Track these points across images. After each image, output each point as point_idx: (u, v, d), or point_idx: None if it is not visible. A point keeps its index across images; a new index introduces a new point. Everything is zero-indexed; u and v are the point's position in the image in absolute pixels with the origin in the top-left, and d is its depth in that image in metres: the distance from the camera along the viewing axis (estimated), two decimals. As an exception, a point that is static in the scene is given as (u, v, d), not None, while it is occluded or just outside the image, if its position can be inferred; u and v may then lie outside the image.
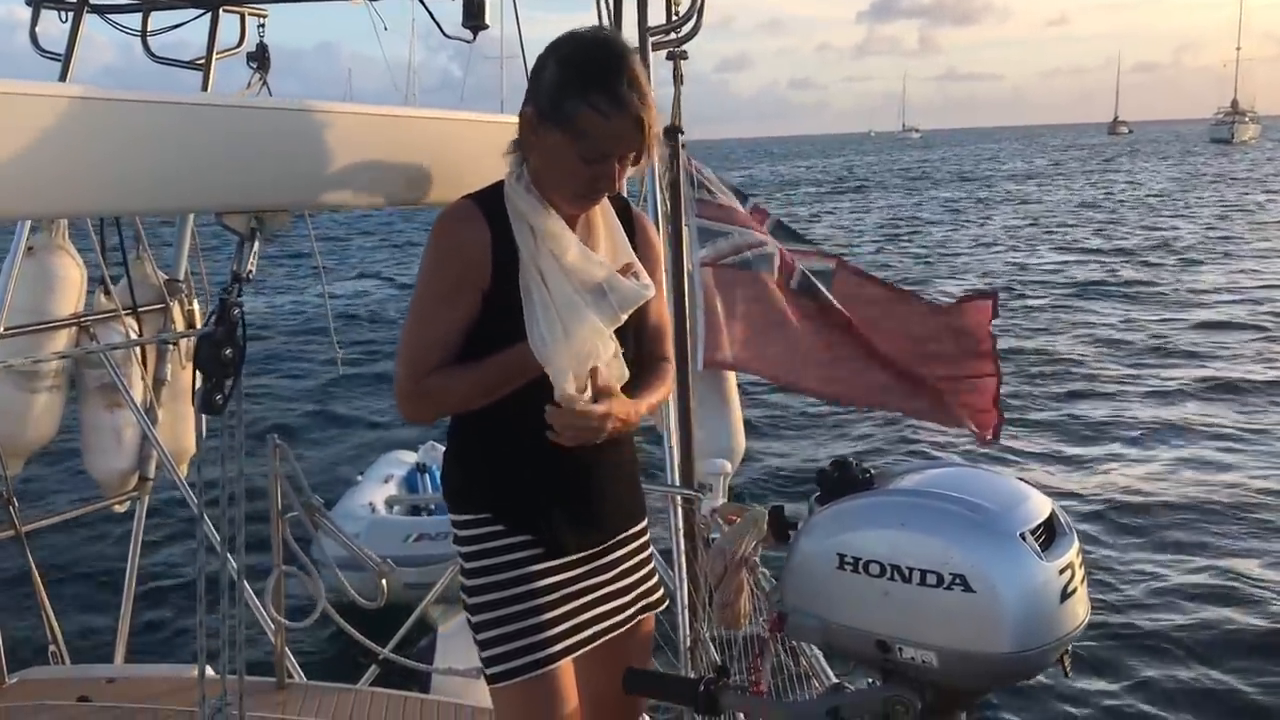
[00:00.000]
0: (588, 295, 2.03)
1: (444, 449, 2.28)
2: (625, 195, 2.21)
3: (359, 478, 9.57)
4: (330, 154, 2.14)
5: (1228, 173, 64.29)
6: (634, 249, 2.19)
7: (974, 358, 4.12)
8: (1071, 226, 37.01)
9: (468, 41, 3.96)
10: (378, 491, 9.20)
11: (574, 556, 2.18)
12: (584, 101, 1.95)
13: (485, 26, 3.88)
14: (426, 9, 3.83)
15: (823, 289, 4.09)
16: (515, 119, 2.08)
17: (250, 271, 2.15)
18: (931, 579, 1.56)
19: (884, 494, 1.70)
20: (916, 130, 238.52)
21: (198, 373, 2.17)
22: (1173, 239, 31.95)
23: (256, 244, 2.13)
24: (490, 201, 2.08)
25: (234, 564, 2.51)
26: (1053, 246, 31.25)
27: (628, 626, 2.27)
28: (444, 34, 3.89)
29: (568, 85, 1.98)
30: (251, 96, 4.30)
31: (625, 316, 2.07)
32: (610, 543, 2.24)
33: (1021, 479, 1.76)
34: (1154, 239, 32.21)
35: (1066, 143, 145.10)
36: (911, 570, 1.57)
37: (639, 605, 2.30)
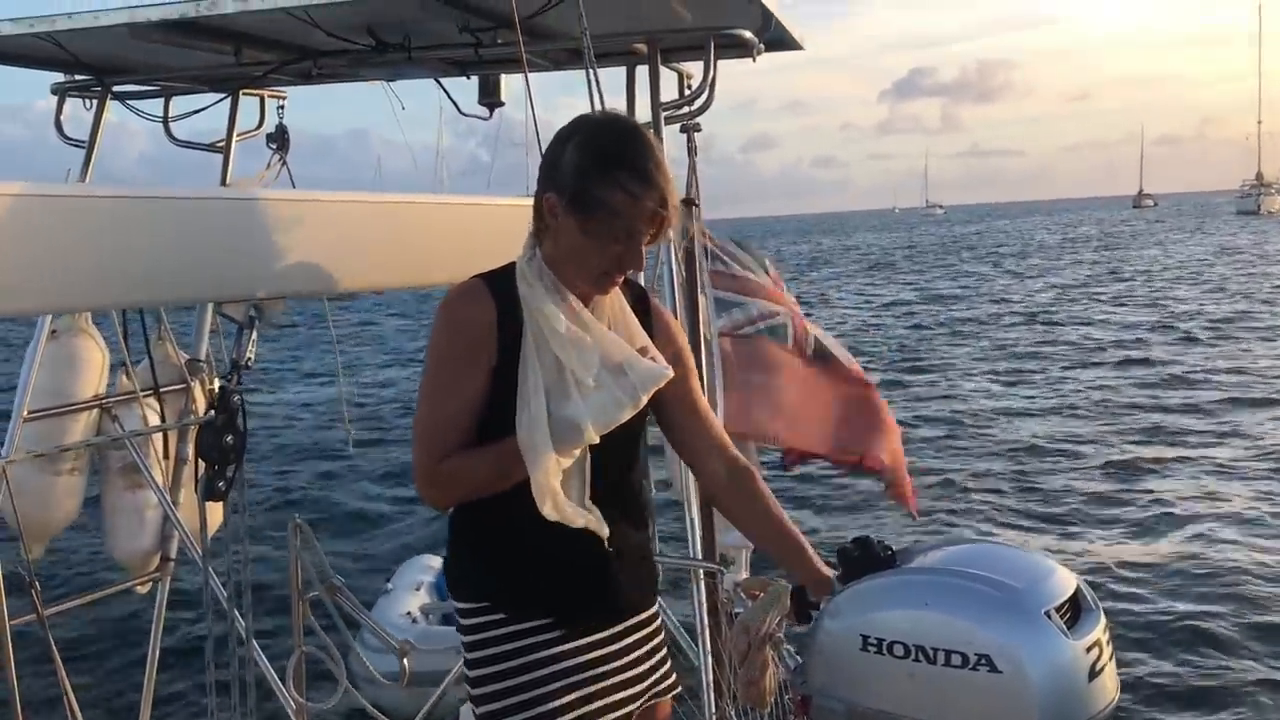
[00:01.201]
0: (605, 375, 1.99)
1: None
2: (641, 282, 2.19)
3: (388, 586, 9.41)
4: (325, 242, 2.15)
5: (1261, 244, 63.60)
6: (652, 338, 2.15)
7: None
8: (1104, 298, 36.73)
9: (483, 119, 4.03)
10: (411, 600, 9.07)
11: (578, 643, 2.12)
12: (616, 184, 1.96)
13: (501, 104, 3.96)
14: (442, 88, 3.89)
15: (836, 354, 4.08)
16: (513, 201, 2.07)
17: (250, 359, 2.15)
18: (956, 659, 1.52)
19: (906, 573, 1.67)
20: (940, 206, 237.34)
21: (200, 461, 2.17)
22: (1208, 310, 31.58)
23: (255, 332, 2.14)
24: (499, 280, 2.08)
25: (243, 627, 2.48)
26: (1081, 320, 30.96)
27: (639, 714, 2.22)
28: (460, 112, 3.95)
29: (595, 169, 1.98)
30: (269, 178, 4.35)
31: (645, 399, 2.03)
32: (617, 629, 2.19)
33: (1045, 551, 1.72)
34: (1190, 311, 31.85)
35: (1093, 216, 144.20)
36: (936, 651, 1.54)
37: (651, 693, 2.25)
